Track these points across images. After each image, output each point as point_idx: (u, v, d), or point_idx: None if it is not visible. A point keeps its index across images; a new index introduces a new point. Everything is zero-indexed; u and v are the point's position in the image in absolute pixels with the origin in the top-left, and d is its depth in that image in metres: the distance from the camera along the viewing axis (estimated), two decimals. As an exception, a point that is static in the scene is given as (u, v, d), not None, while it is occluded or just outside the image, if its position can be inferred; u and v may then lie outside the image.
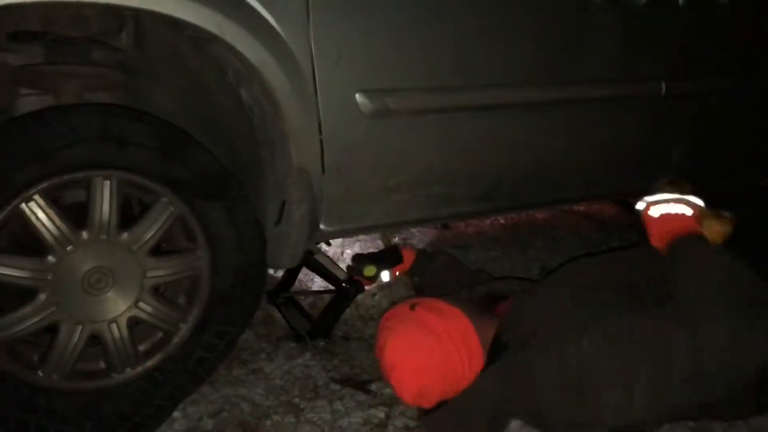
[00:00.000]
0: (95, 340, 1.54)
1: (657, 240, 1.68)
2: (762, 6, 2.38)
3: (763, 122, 2.54)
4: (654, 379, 1.39)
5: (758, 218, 2.23)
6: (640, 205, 1.76)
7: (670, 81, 2.21)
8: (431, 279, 2.11)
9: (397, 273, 2.15)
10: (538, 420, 1.56)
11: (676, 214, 1.68)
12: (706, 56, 2.31)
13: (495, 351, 1.60)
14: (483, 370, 1.59)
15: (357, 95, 1.64)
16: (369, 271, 2.08)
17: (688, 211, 1.67)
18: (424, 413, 1.67)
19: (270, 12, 1.48)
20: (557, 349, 1.46)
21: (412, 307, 1.64)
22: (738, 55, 2.39)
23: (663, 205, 1.70)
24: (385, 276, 2.11)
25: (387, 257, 2.14)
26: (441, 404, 1.61)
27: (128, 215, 1.57)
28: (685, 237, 1.62)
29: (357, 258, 2.13)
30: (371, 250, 2.39)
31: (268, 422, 1.70)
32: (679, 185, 1.74)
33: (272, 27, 1.49)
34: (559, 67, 1.99)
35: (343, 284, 2.12)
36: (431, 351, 1.56)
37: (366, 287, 2.15)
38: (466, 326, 1.60)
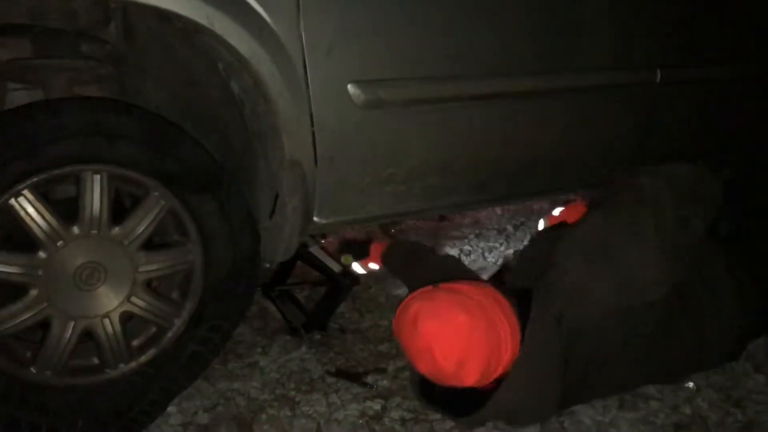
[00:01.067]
0: (88, 335, 1.53)
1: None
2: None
3: (761, 110, 2.53)
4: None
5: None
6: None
7: (665, 68, 2.20)
8: (399, 269, 2.09)
9: (369, 265, 2.18)
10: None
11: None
12: (702, 44, 2.30)
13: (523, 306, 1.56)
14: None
15: (349, 86, 1.62)
16: (346, 259, 2.17)
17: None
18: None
19: (260, 3, 1.46)
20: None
21: (436, 286, 1.57)
22: (735, 42, 2.38)
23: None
24: (356, 267, 2.18)
25: (359, 250, 2.19)
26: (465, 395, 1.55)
27: (119, 210, 1.56)
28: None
29: (344, 243, 2.19)
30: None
31: (264, 416, 1.69)
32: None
33: (262, 18, 1.48)
34: (554, 56, 1.98)
35: (339, 276, 2.12)
36: (471, 309, 1.47)
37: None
38: (494, 293, 1.56)
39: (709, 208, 1.65)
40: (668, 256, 1.55)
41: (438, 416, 1.68)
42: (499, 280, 1.87)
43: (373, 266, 2.16)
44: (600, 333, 1.55)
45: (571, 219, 1.96)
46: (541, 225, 2.16)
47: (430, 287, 1.57)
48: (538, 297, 1.54)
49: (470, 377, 1.48)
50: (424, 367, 1.52)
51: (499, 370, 1.52)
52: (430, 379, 1.56)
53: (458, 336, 1.45)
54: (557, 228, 1.93)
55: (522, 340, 1.51)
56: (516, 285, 1.66)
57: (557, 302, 1.52)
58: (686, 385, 1.81)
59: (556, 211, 2.13)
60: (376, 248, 2.15)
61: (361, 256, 2.16)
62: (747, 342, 1.88)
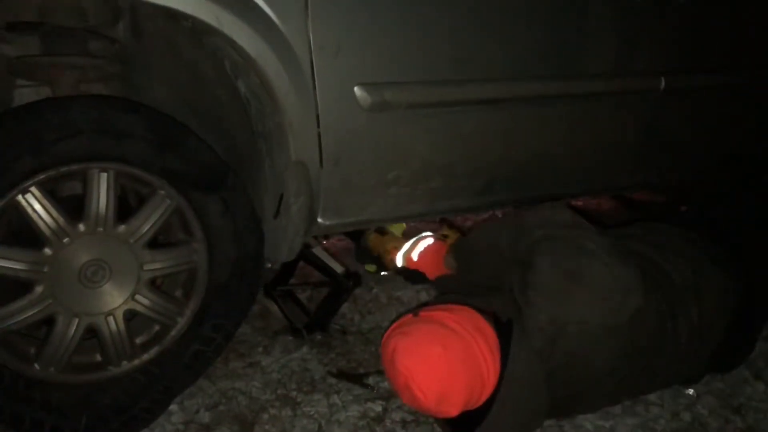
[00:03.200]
0: (92, 332, 1.54)
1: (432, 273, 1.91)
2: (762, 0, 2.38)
3: (762, 117, 2.54)
4: None
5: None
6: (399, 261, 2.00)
7: (669, 76, 2.20)
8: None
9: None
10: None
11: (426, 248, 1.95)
12: (706, 51, 2.31)
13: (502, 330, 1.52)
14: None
15: (355, 88, 1.63)
16: (370, 267, 2.08)
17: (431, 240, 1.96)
18: None
19: (268, 4, 1.47)
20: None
21: (416, 314, 1.55)
22: (739, 49, 2.39)
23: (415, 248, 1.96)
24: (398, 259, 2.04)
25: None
26: (465, 415, 1.49)
27: (125, 208, 1.56)
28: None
29: (355, 281, 2.10)
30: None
31: (265, 416, 1.70)
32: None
33: (270, 19, 1.48)
34: (558, 62, 1.99)
35: (341, 277, 2.12)
36: (446, 340, 1.44)
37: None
38: (476, 317, 1.52)
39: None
40: (620, 258, 1.54)
41: (439, 418, 1.68)
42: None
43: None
44: (588, 359, 1.53)
45: (428, 269, 1.93)
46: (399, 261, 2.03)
47: (409, 316, 1.55)
48: (516, 330, 1.50)
49: (453, 409, 1.46)
50: (407, 402, 1.51)
51: (486, 394, 1.49)
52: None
53: (435, 372, 1.41)
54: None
55: (503, 370, 1.47)
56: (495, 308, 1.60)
57: (537, 341, 1.48)
58: (686, 391, 1.82)
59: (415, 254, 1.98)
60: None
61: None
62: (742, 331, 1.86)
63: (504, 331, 1.50)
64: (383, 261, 2.05)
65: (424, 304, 1.90)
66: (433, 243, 1.95)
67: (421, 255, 1.95)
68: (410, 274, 1.98)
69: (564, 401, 1.56)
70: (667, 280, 1.69)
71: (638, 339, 1.56)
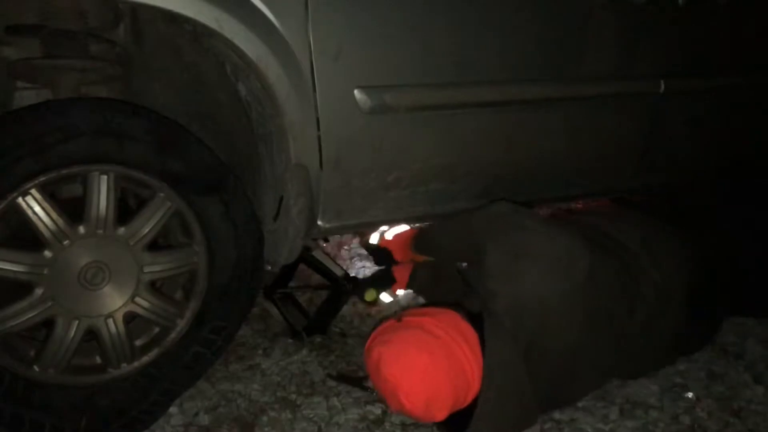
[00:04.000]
0: (91, 335, 1.54)
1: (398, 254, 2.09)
2: (762, 4, 2.38)
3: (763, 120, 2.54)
4: None
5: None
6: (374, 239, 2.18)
7: (669, 79, 2.21)
8: (425, 289, 2.10)
9: (396, 291, 2.17)
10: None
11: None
12: (705, 54, 2.31)
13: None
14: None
15: (355, 91, 1.63)
16: (370, 295, 2.08)
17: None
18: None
19: (269, 7, 1.47)
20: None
21: (399, 319, 1.59)
22: (738, 53, 2.39)
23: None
24: (386, 298, 2.19)
25: (382, 279, 2.13)
26: (455, 416, 1.52)
27: (125, 210, 1.56)
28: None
29: (355, 284, 2.12)
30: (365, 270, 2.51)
31: (265, 418, 1.70)
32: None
33: (271, 22, 1.49)
34: (558, 65, 1.99)
35: (341, 280, 2.12)
36: (429, 346, 1.47)
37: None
38: (455, 317, 1.56)
39: None
40: (558, 229, 1.65)
41: (438, 421, 1.68)
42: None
43: (401, 292, 2.18)
44: (556, 330, 1.58)
45: (396, 249, 2.11)
46: (374, 239, 2.21)
47: (392, 322, 1.58)
48: (487, 323, 1.54)
49: (440, 414, 1.49)
50: (394, 409, 1.54)
51: (473, 392, 1.51)
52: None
53: (421, 380, 1.44)
54: None
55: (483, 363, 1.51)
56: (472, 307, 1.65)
57: (506, 321, 1.53)
58: (686, 395, 1.82)
59: (390, 234, 2.17)
60: (401, 274, 2.09)
61: (388, 284, 2.10)
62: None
63: (478, 325, 1.54)
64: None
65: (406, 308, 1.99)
66: (409, 229, 2.13)
67: (395, 236, 2.13)
68: (377, 252, 2.15)
69: (548, 384, 1.59)
70: (619, 246, 1.79)
71: (601, 301, 1.63)
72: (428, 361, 1.45)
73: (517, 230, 1.64)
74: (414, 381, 1.44)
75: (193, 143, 1.56)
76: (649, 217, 1.96)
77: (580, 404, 1.77)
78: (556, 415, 1.72)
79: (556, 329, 1.57)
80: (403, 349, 1.48)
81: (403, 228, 2.13)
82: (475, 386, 1.50)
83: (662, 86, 2.20)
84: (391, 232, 2.14)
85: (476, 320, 1.56)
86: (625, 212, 2.00)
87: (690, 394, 1.82)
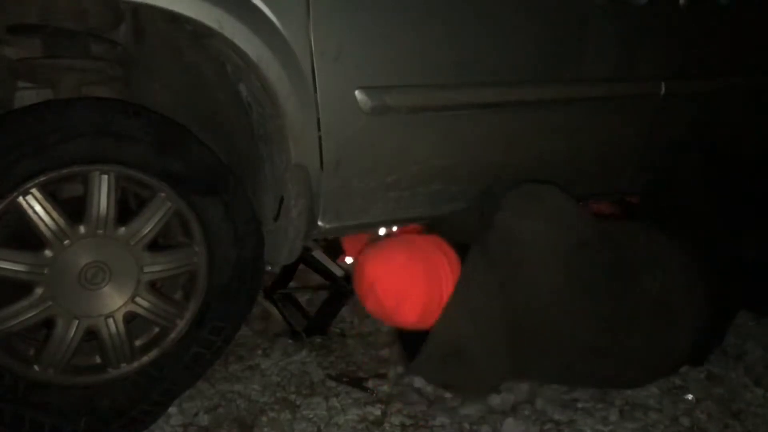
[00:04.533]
0: (91, 334, 1.53)
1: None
2: (763, 5, 2.38)
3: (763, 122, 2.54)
4: None
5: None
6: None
7: (669, 81, 2.21)
8: None
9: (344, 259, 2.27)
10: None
11: None
12: (706, 56, 2.31)
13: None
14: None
15: (356, 92, 1.63)
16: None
17: None
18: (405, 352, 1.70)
19: (270, 8, 1.48)
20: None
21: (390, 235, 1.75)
22: (739, 55, 2.39)
23: None
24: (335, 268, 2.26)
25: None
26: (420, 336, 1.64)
27: (125, 210, 1.56)
28: None
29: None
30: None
31: (264, 418, 1.70)
32: None
33: (272, 23, 1.49)
34: (559, 66, 1.99)
35: (341, 281, 2.12)
36: (410, 250, 1.63)
37: None
38: (440, 240, 1.72)
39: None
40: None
41: (438, 422, 1.69)
42: None
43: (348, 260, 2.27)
44: (534, 274, 1.63)
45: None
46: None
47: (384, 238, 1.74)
48: (476, 243, 1.67)
49: (411, 314, 1.63)
50: (370, 306, 1.68)
51: (442, 305, 1.64)
52: (378, 319, 1.72)
53: (397, 275, 1.61)
54: None
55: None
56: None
57: (494, 244, 1.64)
58: (686, 396, 1.82)
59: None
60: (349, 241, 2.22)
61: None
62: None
63: (465, 252, 1.69)
64: None
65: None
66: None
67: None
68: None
69: (520, 336, 1.65)
70: (628, 241, 1.83)
71: (590, 272, 1.66)
72: (406, 259, 1.62)
73: (537, 188, 1.73)
74: (391, 277, 1.60)
75: (194, 144, 1.56)
76: (653, 224, 1.95)
77: (579, 405, 1.77)
78: (555, 415, 1.72)
79: (532, 274, 1.63)
80: (386, 249, 1.66)
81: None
82: (446, 298, 1.63)
83: (663, 88, 2.20)
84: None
85: (463, 250, 1.69)
86: (628, 218, 2.01)
87: (690, 396, 1.82)
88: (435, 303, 1.63)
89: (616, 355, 1.73)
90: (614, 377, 1.79)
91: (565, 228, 1.64)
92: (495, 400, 1.77)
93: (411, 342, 1.69)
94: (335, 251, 2.30)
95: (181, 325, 1.62)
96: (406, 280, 1.60)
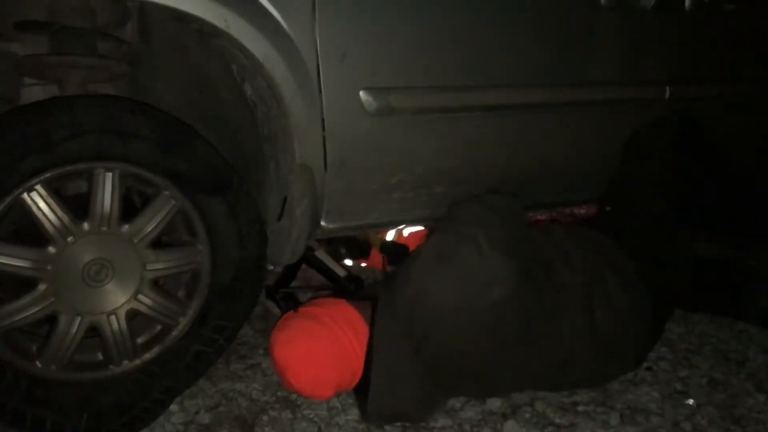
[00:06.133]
0: (94, 331, 1.54)
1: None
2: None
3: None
4: None
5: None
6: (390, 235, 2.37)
7: (674, 85, 2.21)
8: None
9: (362, 263, 2.36)
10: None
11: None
12: (711, 61, 2.31)
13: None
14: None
15: (361, 93, 1.64)
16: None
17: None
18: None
19: (276, 8, 1.48)
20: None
21: (296, 311, 1.74)
22: (745, 60, 2.39)
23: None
24: (347, 261, 2.35)
25: (358, 249, 2.30)
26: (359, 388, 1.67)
27: (129, 207, 1.57)
28: None
29: (357, 284, 2.20)
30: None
31: (265, 418, 1.70)
32: None
33: (278, 23, 1.49)
34: (563, 70, 1.99)
35: (343, 281, 2.12)
36: (315, 333, 1.64)
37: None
38: (346, 307, 1.70)
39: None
40: (503, 250, 1.62)
41: (440, 424, 1.68)
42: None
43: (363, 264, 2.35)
44: (444, 338, 1.61)
45: (412, 243, 2.24)
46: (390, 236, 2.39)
47: (291, 313, 1.73)
48: (382, 302, 1.67)
49: (327, 391, 1.65)
50: (287, 386, 1.71)
51: (359, 370, 1.66)
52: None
53: (302, 361, 1.62)
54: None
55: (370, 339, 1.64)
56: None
57: (402, 309, 1.62)
58: (687, 401, 1.82)
59: (407, 231, 2.36)
60: (376, 257, 2.27)
61: (358, 255, 2.31)
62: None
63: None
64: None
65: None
66: (425, 229, 2.25)
67: (412, 233, 2.28)
68: (394, 249, 2.26)
69: (449, 387, 1.71)
70: (556, 284, 1.76)
71: (502, 329, 1.63)
72: (310, 345, 1.62)
73: (461, 237, 1.63)
74: (298, 362, 1.62)
75: (199, 142, 1.56)
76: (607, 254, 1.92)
77: (580, 409, 1.77)
78: (556, 419, 1.72)
79: (442, 338, 1.61)
80: (290, 334, 1.65)
81: (418, 228, 2.22)
82: (358, 367, 1.65)
83: (668, 92, 2.20)
84: (407, 230, 2.25)
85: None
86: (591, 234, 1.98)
87: (691, 401, 1.82)
88: (347, 379, 1.66)
89: (531, 384, 1.79)
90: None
91: (474, 291, 1.58)
92: (495, 402, 1.77)
93: (358, 391, 1.71)
94: (361, 252, 2.34)
95: (184, 323, 1.62)
96: (313, 366, 1.62)
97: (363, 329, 1.66)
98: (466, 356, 1.64)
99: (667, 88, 2.19)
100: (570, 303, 1.75)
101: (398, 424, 1.69)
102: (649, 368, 1.98)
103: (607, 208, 2.20)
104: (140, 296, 1.56)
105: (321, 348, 1.62)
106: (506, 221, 1.73)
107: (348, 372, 1.65)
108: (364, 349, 1.65)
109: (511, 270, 1.61)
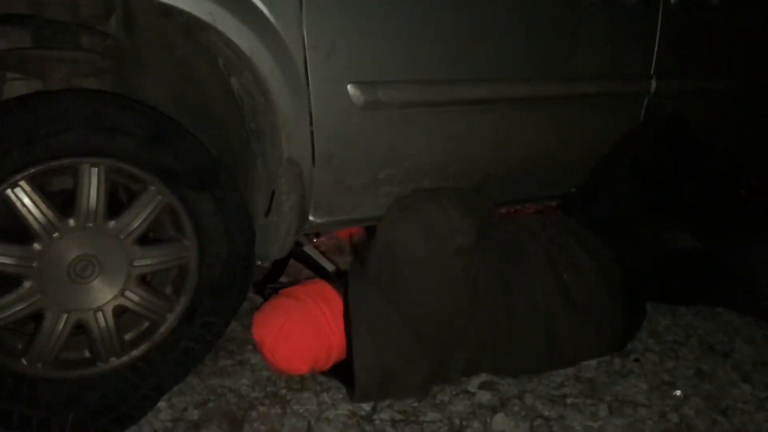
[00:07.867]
0: (80, 328, 1.53)
1: None
2: (753, 6, 2.40)
3: (754, 122, 2.56)
4: None
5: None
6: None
7: (659, 79, 2.22)
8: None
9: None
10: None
11: None
12: (697, 55, 2.32)
13: None
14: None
15: (349, 87, 1.63)
16: None
17: None
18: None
19: (263, 1, 1.47)
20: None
21: (277, 293, 1.85)
22: (729, 55, 2.41)
23: None
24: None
25: None
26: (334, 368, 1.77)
27: (116, 203, 1.55)
28: None
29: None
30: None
31: (254, 413, 1.69)
32: None
33: (265, 16, 1.48)
34: (550, 64, 2.00)
35: (332, 276, 2.12)
36: (289, 308, 1.73)
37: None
38: (322, 285, 1.81)
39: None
40: (463, 211, 1.74)
41: (429, 418, 1.69)
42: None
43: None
44: (416, 284, 1.69)
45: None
46: None
47: (273, 297, 1.84)
48: (354, 266, 1.79)
49: (303, 366, 1.73)
50: (267, 363, 1.80)
51: (335, 350, 1.74)
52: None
53: (278, 336, 1.70)
54: None
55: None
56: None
57: (373, 264, 1.72)
58: (674, 393, 1.83)
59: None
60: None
61: None
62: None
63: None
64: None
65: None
66: None
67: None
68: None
69: (423, 340, 1.72)
70: (521, 251, 1.87)
71: (467, 277, 1.71)
72: (284, 319, 1.71)
73: (424, 197, 1.77)
74: (273, 337, 1.70)
75: (185, 137, 1.55)
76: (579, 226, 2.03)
77: (568, 401, 1.78)
78: (545, 411, 1.73)
79: (414, 284, 1.68)
80: (267, 312, 1.76)
81: None
82: (336, 343, 1.72)
83: (653, 86, 2.21)
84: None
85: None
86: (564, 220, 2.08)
87: (678, 392, 1.83)
88: (323, 355, 1.73)
89: (515, 352, 1.82)
90: (519, 369, 1.87)
91: (437, 238, 1.67)
92: (485, 395, 1.78)
93: (343, 372, 1.76)
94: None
95: (171, 319, 1.61)
96: (289, 342, 1.69)
97: (338, 304, 1.73)
98: (442, 310, 1.71)
99: (653, 81, 2.21)
100: (536, 265, 1.85)
101: (387, 418, 1.69)
102: (636, 360, 1.99)
103: (573, 189, 2.26)
104: (127, 292, 1.55)
105: (294, 321, 1.70)
106: (471, 203, 1.82)
107: (324, 347, 1.72)
108: (340, 324, 1.71)
109: (471, 225, 1.72)
